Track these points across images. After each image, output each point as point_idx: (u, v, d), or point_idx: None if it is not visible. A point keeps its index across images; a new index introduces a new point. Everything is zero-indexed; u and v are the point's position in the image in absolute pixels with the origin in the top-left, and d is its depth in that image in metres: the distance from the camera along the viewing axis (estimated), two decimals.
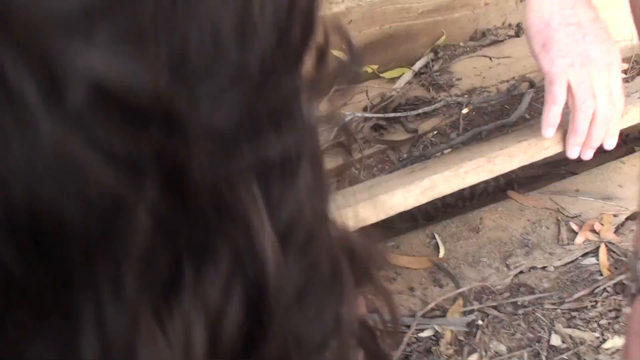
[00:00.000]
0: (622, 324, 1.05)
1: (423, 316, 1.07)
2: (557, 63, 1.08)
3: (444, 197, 1.19)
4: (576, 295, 1.09)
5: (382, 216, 1.09)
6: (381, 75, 1.47)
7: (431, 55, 1.53)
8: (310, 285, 0.24)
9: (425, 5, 1.54)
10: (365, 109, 1.38)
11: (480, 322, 1.07)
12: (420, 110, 1.35)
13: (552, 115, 1.11)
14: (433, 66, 1.50)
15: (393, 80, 1.47)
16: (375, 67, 1.47)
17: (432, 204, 1.22)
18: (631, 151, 1.36)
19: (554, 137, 1.15)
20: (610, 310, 1.07)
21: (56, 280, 0.19)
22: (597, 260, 1.14)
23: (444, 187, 1.13)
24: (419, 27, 1.54)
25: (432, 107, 1.34)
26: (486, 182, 1.26)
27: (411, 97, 1.42)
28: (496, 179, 1.25)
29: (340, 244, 0.26)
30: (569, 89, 1.09)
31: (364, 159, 1.29)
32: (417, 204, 1.12)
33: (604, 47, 1.08)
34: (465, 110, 1.31)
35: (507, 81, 1.43)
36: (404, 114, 1.36)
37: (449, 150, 1.28)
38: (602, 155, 1.24)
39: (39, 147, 0.17)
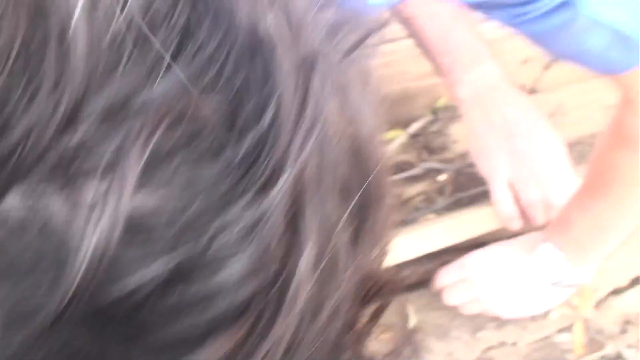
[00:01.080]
0: None
1: None
2: (488, 165, 1.11)
3: None
4: None
5: None
6: None
7: (430, 117, 1.51)
8: None
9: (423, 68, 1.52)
10: None
11: None
12: (404, 175, 1.33)
13: (502, 212, 1.10)
14: (430, 128, 1.48)
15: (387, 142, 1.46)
16: None
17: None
18: None
19: None
20: None
21: None
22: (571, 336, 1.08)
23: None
24: (418, 89, 1.53)
25: (410, 173, 1.32)
26: None
27: (399, 161, 1.40)
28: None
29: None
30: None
31: None
32: None
33: (535, 138, 1.08)
34: (442, 177, 1.29)
35: None
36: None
37: (434, 215, 1.25)
38: None
39: None
